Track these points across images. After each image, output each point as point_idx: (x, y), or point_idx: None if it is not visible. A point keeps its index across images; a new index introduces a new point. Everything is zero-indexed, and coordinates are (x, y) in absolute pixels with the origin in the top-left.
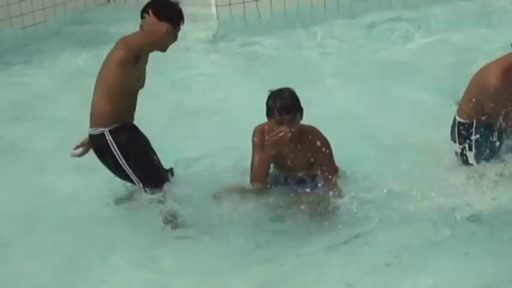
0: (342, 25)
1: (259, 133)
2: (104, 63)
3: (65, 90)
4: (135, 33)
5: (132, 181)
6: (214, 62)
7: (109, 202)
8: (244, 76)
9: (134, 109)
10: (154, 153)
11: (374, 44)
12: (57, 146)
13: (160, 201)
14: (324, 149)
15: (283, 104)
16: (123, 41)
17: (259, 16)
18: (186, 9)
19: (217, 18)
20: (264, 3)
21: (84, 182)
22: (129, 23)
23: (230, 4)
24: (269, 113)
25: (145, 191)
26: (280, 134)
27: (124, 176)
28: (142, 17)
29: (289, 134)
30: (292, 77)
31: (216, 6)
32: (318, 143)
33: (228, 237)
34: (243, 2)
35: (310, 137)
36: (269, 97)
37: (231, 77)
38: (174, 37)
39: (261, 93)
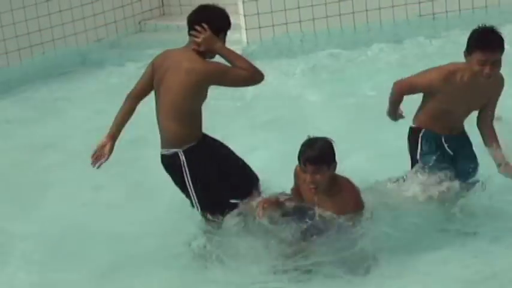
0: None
1: (297, 173)
2: (169, 88)
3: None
4: (226, 71)
5: (192, 202)
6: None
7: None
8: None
9: (202, 121)
10: (229, 174)
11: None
12: None
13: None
14: (352, 211)
15: (309, 155)
16: (211, 75)
17: (290, 39)
18: None
19: (247, 42)
20: (294, 26)
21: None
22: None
23: (260, 27)
24: (298, 160)
25: (201, 214)
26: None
27: (187, 195)
28: (191, 29)
29: (313, 190)
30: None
31: (246, 29)
32: (348, 204)
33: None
34: (273, 26)
35: (341, 193)
36: (302, 144)
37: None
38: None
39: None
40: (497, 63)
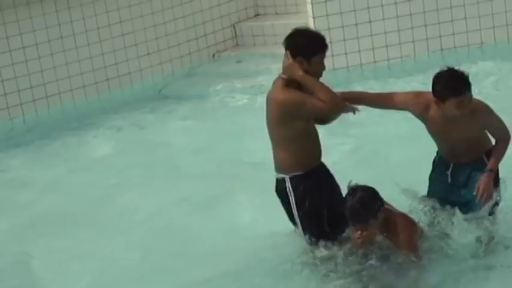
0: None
1: None
2: (267, 117)
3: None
4: (303, 102)
5: (297, 228)
6: None
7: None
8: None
9: (317, 148)
10: (333, 204)
11: None
12: None
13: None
14: (406, 246)
15: (351, 214)
16: (291, 105)
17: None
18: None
19: (334, 68)
20: (380, 51)
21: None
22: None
23: (346, 53)
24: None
25: (306, 241)
26: (359, 241)
27: (293, 222)
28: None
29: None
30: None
31: (332, 56)
32: (401, 239)
33: None
34: (359, 51)
35: (394, 229)
36: (344, 198)
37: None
38: (316, 68)
39: None
40: (470, 100)
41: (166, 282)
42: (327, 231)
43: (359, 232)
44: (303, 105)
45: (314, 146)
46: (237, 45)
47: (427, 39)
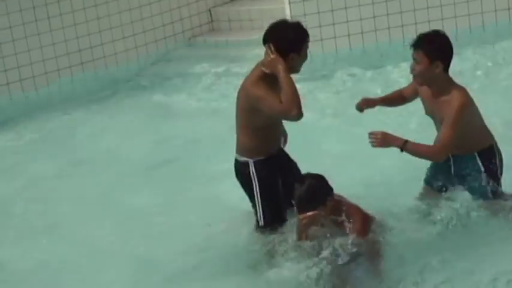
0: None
1: None
2: (237, 101)
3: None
4: (263, 98)
5: (256, 212)
6: None
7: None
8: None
9: (279, 135)
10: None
11: None
12: None
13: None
14: (358, 235)
15: (298, 203)
16: (252, 98)
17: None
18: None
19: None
20: (356, 37)
21: None
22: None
23: (322, 39)
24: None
25: (256, 229)
26: (303, 222)
27: (253, 206)
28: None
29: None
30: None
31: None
32: (352, 228)
33: None
34: (335, 37)
35: (345, 219)
36: (295, 183)
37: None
38: (304, 58)
39: None
40: (416, 61)
41: None
42: (284, 214)
43: (304, 214)
44: (263, 101)
45: (276, 133)
46: (213, 30)
47: (402, 25)
